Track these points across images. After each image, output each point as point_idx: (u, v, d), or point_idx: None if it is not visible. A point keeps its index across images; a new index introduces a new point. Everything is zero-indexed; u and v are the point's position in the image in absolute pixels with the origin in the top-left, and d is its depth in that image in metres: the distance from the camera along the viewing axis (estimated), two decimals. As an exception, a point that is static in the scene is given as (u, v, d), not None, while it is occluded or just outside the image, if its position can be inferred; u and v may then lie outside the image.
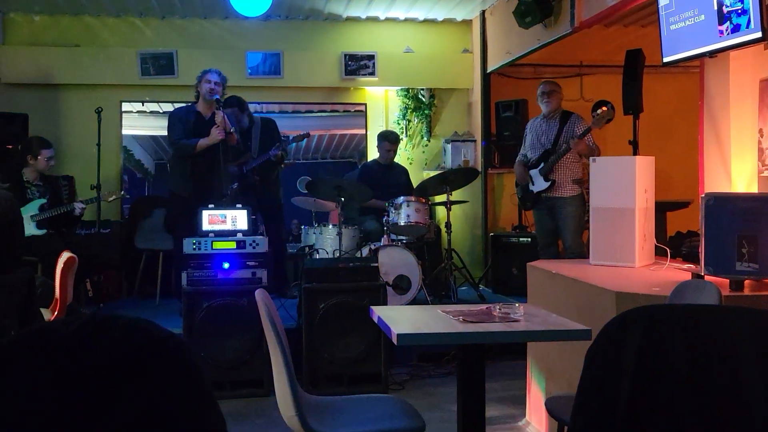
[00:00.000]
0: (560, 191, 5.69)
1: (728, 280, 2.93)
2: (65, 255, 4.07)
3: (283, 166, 6.70)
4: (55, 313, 3.97)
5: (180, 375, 0.97)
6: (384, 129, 7.46)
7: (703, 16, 3.73)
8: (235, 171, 6.15)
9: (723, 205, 3.01)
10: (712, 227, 3.01)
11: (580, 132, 5.56)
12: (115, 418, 0.96)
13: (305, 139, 6.96)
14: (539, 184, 5.76)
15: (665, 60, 4.10)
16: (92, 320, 0.98)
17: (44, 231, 5.72)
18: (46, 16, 7.47)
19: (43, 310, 3.74)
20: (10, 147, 6.56)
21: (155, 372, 0.96)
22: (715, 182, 4.06)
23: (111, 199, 6.02)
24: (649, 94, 6.05)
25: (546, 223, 5.84)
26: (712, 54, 3.80)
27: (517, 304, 2.66)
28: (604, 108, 5.48)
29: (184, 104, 7.36)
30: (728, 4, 3.53)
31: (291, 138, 6.65)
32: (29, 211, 5.67)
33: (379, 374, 4.69)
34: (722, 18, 3.57)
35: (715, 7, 3.61)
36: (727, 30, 3.55)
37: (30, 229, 5.60)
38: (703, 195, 3.09)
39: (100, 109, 5.92)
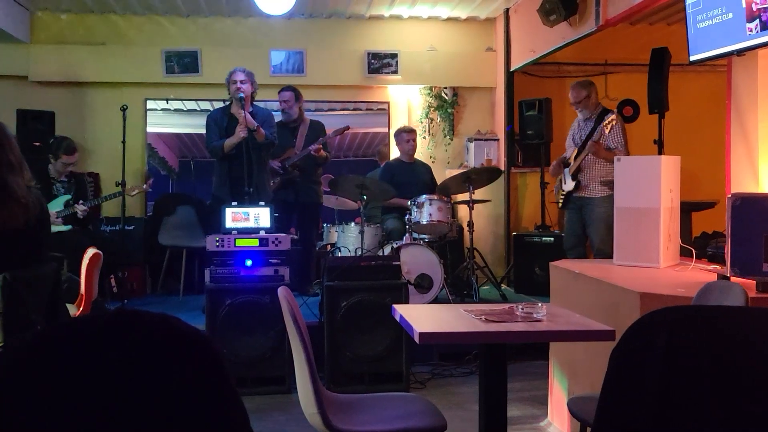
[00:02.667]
0: (590, 192, 5.66)
1: (755, 282, 2.89)
2: (91, 251, 4.12)
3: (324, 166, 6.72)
4: (81, 308, 4.03)
5: (205, 371, 0.98)
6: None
7: (731, 14, 3.68)
8: (278, 166, 6.23)
9: (750, 205, 2.97)
10: (739, 228, 2.97)
11: (605, 134, 5.52)
12: (140, 412, 0.97)
13: (346, 132, 6.97)
14: (569, 184, 5.76)
15: (692, 58, 4.05)
16: (119, 315, 0.99)
17: (69, 227, 5.80)
18: (73, 15, 7.56)
19: (68, 306, 3.80)
20: (38, 144, 6.65)
21: (181, 367, 0.97)
22: (742, 182, 4.01)
23: (134, 193, 6.08)
24: (675, 93, 5.98)
25: (575, 223, 5.81)
26: (740, 52, 3.75)
27: (540, 304, 2.64)
28: (612, 117, 5.45)
29: (208, 101, 7.44)
30: (757, 2, 3.48)
31: (331, 133, 6.67)
32: (55, 207, 5.75)
33: (401, 373, 4.69)
34: (751, 16, 3.52)
35: (744, 5, 3.57)
36: (756, 28, 3.50)
37: (55, 225, 5.68)
38: (730, 195, 3.05)
39: (125, 107, 5.97)
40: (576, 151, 5.75)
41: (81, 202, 5.85)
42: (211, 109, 7.47)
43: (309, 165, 6.39)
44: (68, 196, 5.88)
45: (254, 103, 5.70)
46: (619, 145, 5.51)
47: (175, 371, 0.98)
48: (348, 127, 6.80)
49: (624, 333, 1.34)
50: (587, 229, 5.71)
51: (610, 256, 5.33)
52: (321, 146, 6.31)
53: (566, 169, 5.81)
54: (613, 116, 5.34)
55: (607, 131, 5.38)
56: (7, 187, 2.96)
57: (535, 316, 2.53)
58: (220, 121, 5.60)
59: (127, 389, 0.98)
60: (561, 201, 5.92)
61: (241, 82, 5.43)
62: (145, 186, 6.40)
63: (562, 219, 6.40)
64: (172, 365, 0.97)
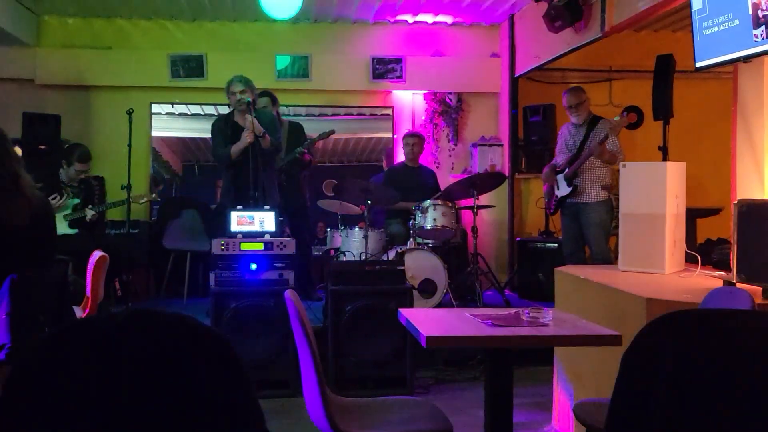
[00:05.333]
0: (585, 197, 5.67)
1: (761, 288, 2.89)
2: (97, 254, 4.13)
3: (308, 170, 6.74)
4: (87, 310, 4.03)
5: (222, 369, 0.99)
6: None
7: (737, 21, 3.68)
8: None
9: (756, 212, 2.98)
10: (745, 234, 2.98)
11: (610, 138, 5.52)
12: (158, 409, 0.98)
13: (330, 137, 6.99)
14: (563, 189, 5.76)
15: (698, 65, 4.05)
16: (137, 314, 1.00)
17: (76, 231, 5.81)
18: (80, 19, 7.58)
19: (74, 308, 3.80)
20: (43, 147, 6.67)
21: (199, 366, 0.98)
22: (748, 189, 4.01)
23: (142, 201, 6.10)
24: (680, 100, 5.99)
25: (572, 229, 5.82)
26: (746, 59, 3.75)
27: (545, 309, 2.64)
28: (620, 116, 5.46)
29: (213, 105, 7.47)
30: (764, 9, 3.49)
31: (316, 136, 6.69)
32: (63, 211, 5.77)
33: (404, 377, 4.69)
34: (757, 22, 3.53)
35: (750, 12, 3.57)
36: (762, 35, 3.51)
37: (62, 228, 5.70)
38: (736, 202, 3.06)
39: (131, 111, 5.99)
40: (570, 157, 5.76)
41: (90, 207, 5.87)
42: (216, 114, 7.52)
43: (293, 169, 6.41)
44: (77, 200, 5.90)
45: (255, 108, 5.67)
46: (615, 148, 5.53)
47: (193, 370, 0.98)
48: (333, 131, 6.82)
49: (635, 337, 1.34)
50: (584, 235, 5.72)
51: (607, 261, 5.36)
52: (306, 150, 6.34)
53: (559, 175, 5.82)
54: (618, 119, 5.36)
55: (616, 135, 5.40)
56: (18, 182, 2.97)
57: (541, 320, 2.54)
58: (225, 129, 5.59)
59: (145, 387, 0.98)
60: (553, 207, 5.93)
61: (240, 92, 5.42)
62: (153, 195, 6.42)
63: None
64: (190, 364, 0.98)
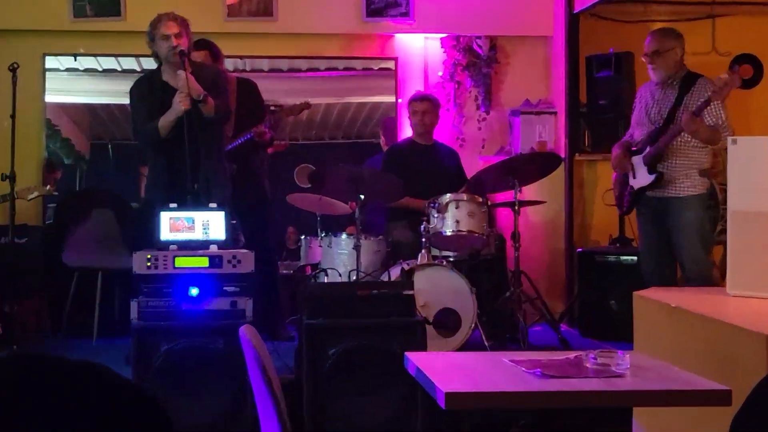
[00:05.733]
0: (674, 188, 5.65)
1: None
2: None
3: (269, 150, 6.75)
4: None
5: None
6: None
7: None
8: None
9: None
10: None
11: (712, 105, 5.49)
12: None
13: (304, 111, 7.00)
14: (641, 178, 5.72)
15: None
16: (25, 360, 0.99)
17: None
18: (-60, -67, 7.61)
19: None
20: None
21: (110, 429, 0.97)
22: None
23: (32, 196, 6.10)
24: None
25: (653, 234, 5.83)
26: None
27: (619, 352, 2.65)
28: (728, 73, 5.43)
29: (134, 57, 7.46)
30: None
31: (283, 110, 6.69)
32: None
33: (415, 452, 4.71)
34: None
35: None
36: None
37: None
38: None
39: (15, 66, 5.99)
40: (653, 132, 5.71)
41: None
42: (139, 70, 7.53)
43: (245, 151, 6.37)
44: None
45: (191, 60, 5.65)
46: (719, 120, 5.48)
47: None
48: (308, 104, 6.82)
49: (752, 391, 1.34)
50: (672, 243, 5.70)
51: (708, 282, 5.35)
52: (264, 126, 6.35)
53: (636, 158, 5.77)
54: (724, 77, 5.35)
55: (721, 101, 5.37)
56: None
57: (613, 369, 2.55)
58: (151, 93, 5.58)
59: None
60: (627, 203, 5.93)
61: (176, 35, 5.41)
62: (48, 187, 6.41)
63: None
64: (100, 426, 0.97)
